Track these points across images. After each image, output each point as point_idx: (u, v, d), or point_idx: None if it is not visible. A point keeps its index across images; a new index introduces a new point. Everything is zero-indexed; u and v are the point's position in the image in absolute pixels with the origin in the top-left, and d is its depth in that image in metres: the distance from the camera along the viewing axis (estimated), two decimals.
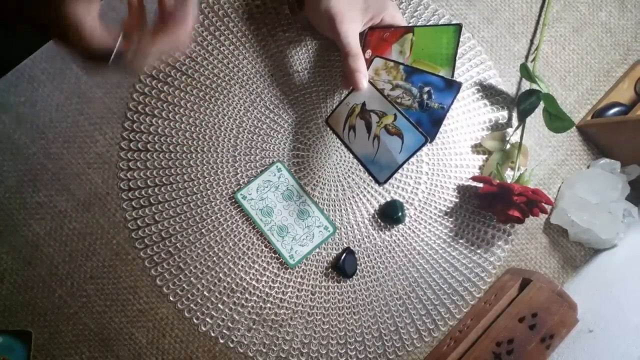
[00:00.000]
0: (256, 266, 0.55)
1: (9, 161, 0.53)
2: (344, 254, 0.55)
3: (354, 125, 0.50)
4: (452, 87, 0.48)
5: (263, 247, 0.55)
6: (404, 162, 0.47)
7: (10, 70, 0.54)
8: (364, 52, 0.53)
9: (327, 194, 0.57)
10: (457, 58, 0.51)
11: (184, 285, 0.54)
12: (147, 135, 0.55)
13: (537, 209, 0.53)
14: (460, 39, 0.50)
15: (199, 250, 0.54)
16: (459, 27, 0.50)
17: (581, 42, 0.62)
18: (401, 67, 0.50)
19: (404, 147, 0.47)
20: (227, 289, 0.54)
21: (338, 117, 0.51)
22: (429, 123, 0.49)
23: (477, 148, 0.59)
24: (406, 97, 0.50)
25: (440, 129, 0.50)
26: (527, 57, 0.61)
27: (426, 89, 0.49)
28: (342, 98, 0.51)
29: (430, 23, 0.60)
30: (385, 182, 0.48)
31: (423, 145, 0.46)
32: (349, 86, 0.51)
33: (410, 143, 0.47)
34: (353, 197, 0.57)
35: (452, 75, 0.50)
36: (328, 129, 0.56)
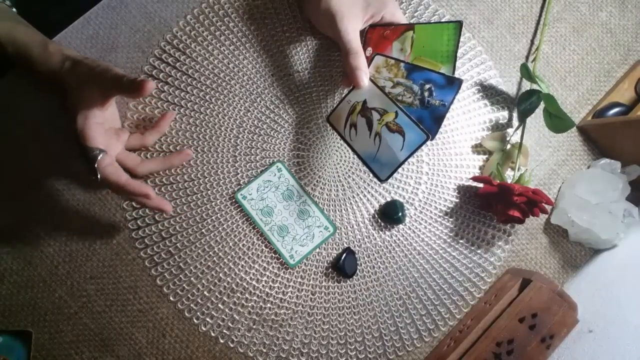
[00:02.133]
0: (256, 266, 0.55)
1: (10, 163, 0.53)
2: (344, 254, 0.55)
3: (355, 123, 0.50)
4: (453, 84, 0.48)
5: (263, 247, 0.55)
6: (405, 160, 0.47)
7: (10, 70, 0.54)
8: (364, 50, 0.53)
9: (327, 194, 0.57)
10: (457, 57, 0.51)
11: (184, 285, 0.54)
12: None
13: (537, 209, 0.53)
14: (461, 39, 0.50)
15: (199, 250, 0.54)
16: (459, 24, 0.50)
17: (581, 42, 0.62)
18: (402, 64, 0.50)
19: (405, 144, 0.47)
20: (227, 289, 0.54)
21: (339, 115, 0.51)
22: (430, 120, 0.49)
23: (478, 148, 0.59)
24: (407, 94, 0.50)
25: (441, 128, 0.49)
26: (527, 57, 0.61)
27: (427, 86, 0.49)
28: (343, 96, 0.51)
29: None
30: (387, 179, 0.48)
31: (425, 142, 0.46)
32: (349, 84, 0.51)
33: (412, 140, 0.47)
34: (353, 197, 0.57)
35: (453, 73, 0.50)
36: (329, 128, 0.56)
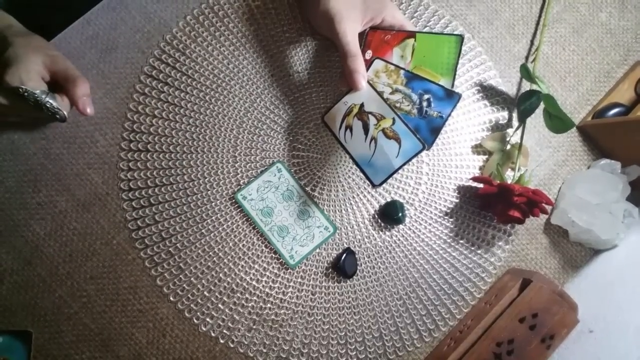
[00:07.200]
0: (256, 266, 0.55)
1: (9, 161, 0.53)
2: (344, 254, 0.55)
3: (351, 125, 0.50)
4: (451, 97, 0.49)
5: (263, 248, 0.55)
6: (400, 167, 0.47)
7: None
8: (364, 52, 0.53)
9: (327, 194, 0.57)
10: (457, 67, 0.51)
11: (184, 285, 0.54)
12: (147, 135, 0.55)
13: (537, 210, 0.53)
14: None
15: (199, 251, 0.54)
16: (460, 38, 0.50)
17: (581, 42, 0.62)
18: (402, 71, 0.50)
19: (401, 152, 0.47)
20: (228, 289, 0.54)
21: (335, 116, 0.51)
22: (427, 130, 0.49)
23: (478, 148, 0.59)
24: (405, 102, 0.50)
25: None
26: (527, 58, 0.61)
27: (426, 96, 0.49)
28: (340, 96, 0.51)
29: (430, 24, 0.60)
30: (380, 185, 0.49)
31: (420, 152, 0.47)
32: (347, 86, 0.51)
33: (408, 149, 0.47)
34: (353, 197, 0.57)
35: (452, 86, 0.51)
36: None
